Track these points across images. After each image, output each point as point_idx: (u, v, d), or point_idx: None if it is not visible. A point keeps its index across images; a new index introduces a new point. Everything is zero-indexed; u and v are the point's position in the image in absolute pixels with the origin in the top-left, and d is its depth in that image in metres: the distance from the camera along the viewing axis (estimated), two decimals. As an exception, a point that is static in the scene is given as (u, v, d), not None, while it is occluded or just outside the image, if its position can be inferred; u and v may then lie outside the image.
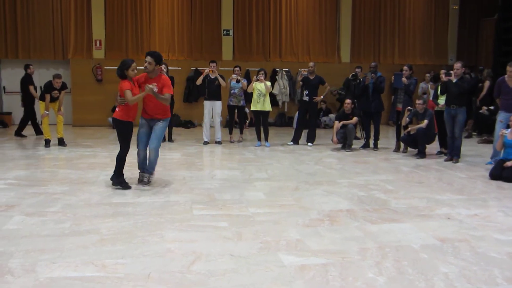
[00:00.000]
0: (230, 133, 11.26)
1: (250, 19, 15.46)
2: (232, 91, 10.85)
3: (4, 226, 4.69)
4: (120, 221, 4.94)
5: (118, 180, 6.38)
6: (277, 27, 15.69)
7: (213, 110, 10.80)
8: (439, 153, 9.73)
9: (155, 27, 14.91)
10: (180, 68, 14.72)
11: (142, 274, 3.60)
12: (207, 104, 10.78)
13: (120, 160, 6.37)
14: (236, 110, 11.14)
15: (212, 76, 10.60)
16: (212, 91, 10.66)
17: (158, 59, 6.41)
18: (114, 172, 6.42)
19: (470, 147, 10.73)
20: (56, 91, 9.92)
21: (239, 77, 10.78)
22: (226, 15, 15.20)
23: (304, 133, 11.11)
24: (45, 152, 9.48)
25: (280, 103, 15.50)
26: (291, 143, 10.99)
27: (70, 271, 3.63)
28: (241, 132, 11.27)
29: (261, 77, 10.36)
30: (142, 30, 14.83)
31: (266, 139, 10.71)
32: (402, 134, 9.79)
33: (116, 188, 6.32)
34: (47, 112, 9.89)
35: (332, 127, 12.35)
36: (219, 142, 10.91)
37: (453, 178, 7.44)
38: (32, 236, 4.41)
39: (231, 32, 15.29)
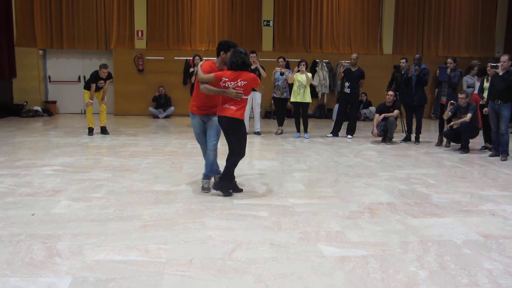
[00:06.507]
0: (279, 124, 11.28)
1: (291, 10, 15.39)
2: (275, 83, 10.86)
3: (52, 210, 4.87)
4: (162, 208, 5.05)
5: (231, 185, 5.64)
6: (318, 18, 15.58)
7: (253, 100, 10.84)
8: (484, 148, 9.50)
9: (196, 17, 15.04)
10: (220, 58, 14.81)
11: (184, 259, 3.68)
12: (246, 94, 10.83)
13: (233, 166, 5.63)
14: (279, 102, 11.12)
15: (252, 67, 10.60)
16: (252, 81, 10.70)
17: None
18: (221, 178, 5.64)
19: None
20: (101, 81, 10.15)
21: (283, 70, 10.76)
22: (266, 5, 15.18)
23: (344, 125, 11.04)
24: (89, 140, 9.75)
25: (319, 95, 15.43)
26: (331, 135, 10.94)
27: (115, 255, 3.75)
28: (282, 124, 11.28)
29: (303, 68, 10.35)
30: (183, 20, 14.98)
31: (305, 130, 10.71)
32: (445, 128, 9.60)
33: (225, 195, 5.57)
34: (91, 101, 10.14)
35: (372, 119, 12.25)
36: (258, 133, 10.96)
37: (498, 174, 7.27)
38: (78, 220, 4.57)
39: (271, 23, 15.28)
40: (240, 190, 5.76)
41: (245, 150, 5.60)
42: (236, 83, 5.34)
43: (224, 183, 5.59)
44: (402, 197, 5.77)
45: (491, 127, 8.71)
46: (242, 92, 5.37)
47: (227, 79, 5.38)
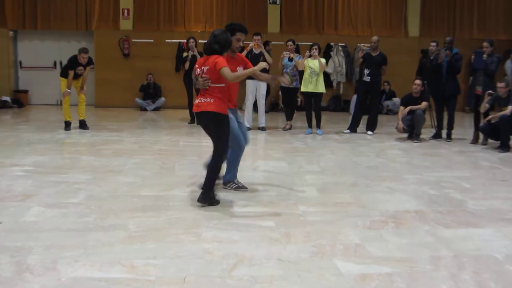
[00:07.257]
0: (288, 119, 11.26)
1: (301, -15, 15.39)
2: (284, 70, 10.81)
3: (22, 218, 4.83)
4: (151, 216, 5.00)
5: (209, 196, 5.39)
6: (332, -6, 15.55)
7: (257, 91, 10.79)
8: (527, 146, 9.46)
9: (191, -7, 15.03)
10: (218, 41, 14.79)
11: (176, 277, 3.63)
12: (250, 84, 10.76)
13: (218, 170, 5.51)
14: (288, 92, 11.08)
15: (257, 51, 10.56)
16: (257, 68, 10.67)
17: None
18: (204, 186, 5.39)
19: None
20: (81, 67, 10.11)
21: (292, 55, 10.70)
22: (273, -20, 15.18)
23: (363, 120, 11.01)
24: (65, 136, 9.75)
25: (334, 84, 15.41)
26: (348, 131, 10.91)
27: (95, 271, 3.70)
28: (291, 118, 11.24)
29: (315, 52, 10.30)
30: (176, -3, 14.97)
31: (318, 126, 10.68)
32: (481, 123, 9.55)
33: (203, 206, 5.35)
34: (69, 91, 10.12)
35: (396, 113, 12.19)
36: (263, 129, 10.93)
37: (544, 177, 7.23)
38: (53, 230, 4.52)
39: (278, 0, 15.22)
40: (217, 203, 5.44)
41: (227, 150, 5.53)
42: (202, 70, 5.29)
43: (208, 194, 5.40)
44: (432, 203, 5.72)
45: (536, 121, 8.66)
46: (208, 79, 5.23)
47: (197, 66, 5.37)
